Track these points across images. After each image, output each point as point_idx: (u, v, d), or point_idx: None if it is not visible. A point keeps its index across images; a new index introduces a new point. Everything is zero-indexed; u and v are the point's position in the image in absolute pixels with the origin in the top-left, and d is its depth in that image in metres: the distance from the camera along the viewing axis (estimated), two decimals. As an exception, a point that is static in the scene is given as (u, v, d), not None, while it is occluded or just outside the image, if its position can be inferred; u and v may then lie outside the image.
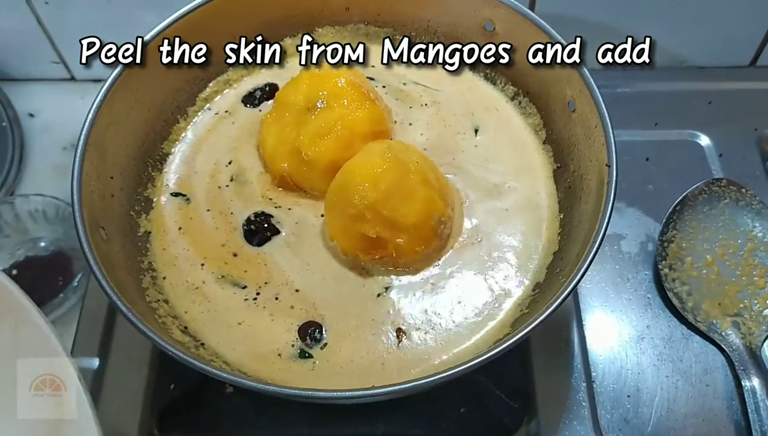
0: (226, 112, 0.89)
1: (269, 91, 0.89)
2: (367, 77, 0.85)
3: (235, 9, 0.84)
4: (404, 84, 0.88)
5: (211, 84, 0.89)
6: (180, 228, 0.79)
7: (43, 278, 0.94)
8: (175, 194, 0.82)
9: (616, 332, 0.86)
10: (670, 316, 0.87)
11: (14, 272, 0.94)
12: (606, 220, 0.66)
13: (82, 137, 0.72)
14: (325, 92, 0.78)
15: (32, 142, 1.10)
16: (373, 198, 0.70)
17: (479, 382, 0.79)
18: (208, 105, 0.89)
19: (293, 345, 0.71)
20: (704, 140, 1.02)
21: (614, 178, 0.69)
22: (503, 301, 0.73)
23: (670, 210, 0.90)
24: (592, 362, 0.83)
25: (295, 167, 0.79)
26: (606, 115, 0.72)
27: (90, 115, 0.74)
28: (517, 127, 0.85)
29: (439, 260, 0.76)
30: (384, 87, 0.88)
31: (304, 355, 0.71)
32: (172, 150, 0.86)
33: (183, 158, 0.85)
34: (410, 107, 0.86)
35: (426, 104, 0.87)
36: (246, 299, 0.74)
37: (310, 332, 0.72)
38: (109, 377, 0.83)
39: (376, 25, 0.92)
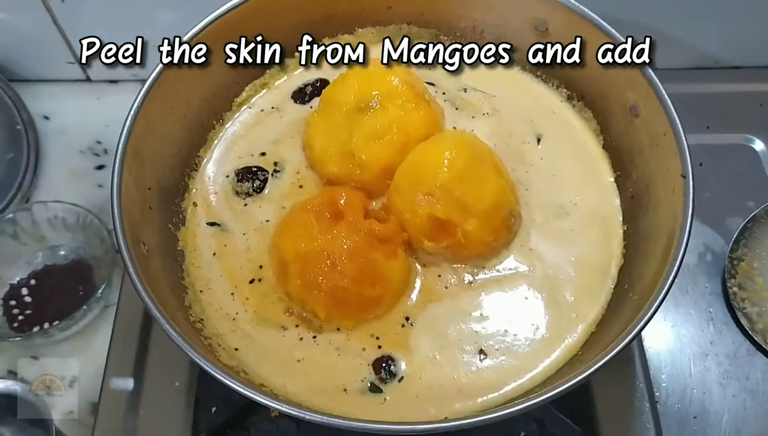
0: (273, 108, 0.85)
1: (320, 86, 0.84)
2: (427, 83, 0.81)
3: (273, 9, 0.80)
4: (465, 90, 0.84)
5: (247, 88, 0.85)
6: (214, 254, 0.75)
7: (62, 288, 0.90)
8: (211, 224, 0.78)
9: (677, 348, 0.82)
10: (735, 331, 0.83)
11: (32, 281, 0.90)
12: (686, 236, 0.62)
13: (120, 146, 0.68)
14: (379, 92, 0.74)
15: (48, 145, 1.06)
16: (446, 178, 0.68)
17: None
18: (246, 106, 0.85)
19: (363, 380, 0.67)
20: (758, 145, 0.98)
21: (691, 190, 0.65)
22: (573, 321, 0.70)
23: (740, 227, 0.86)
24: (654, 381, 0.79)
25: (346, 170, 0.75)
26: (677, 121, 0.69)
27: (127, 123, 0.70)
28: (577, 130, 0.82)
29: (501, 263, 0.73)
30: (444, 93, 0.84)
31: (374, 389, 0.67)
32: (211, 151, 0.82)
33: (221, 153, 0.82)
34: (472, 117, 0.82)
35: (487, 113, 0.83)
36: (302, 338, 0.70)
37: (386, 366, 0.68)
38: (145, 398, 0.78)
39: (419, 25, 0.88)
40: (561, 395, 0.56)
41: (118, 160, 0.67)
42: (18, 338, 0.85)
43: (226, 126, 0.84)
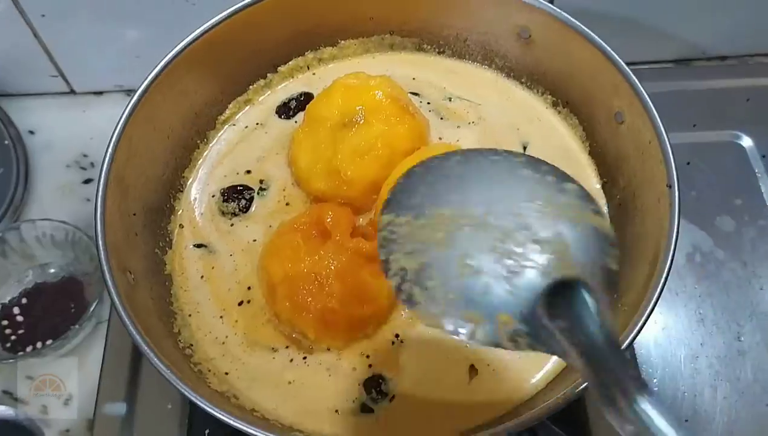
0: (258, 124, 0.84)
1: (304, 100, 0.84)
2: (411, 93, 0.81)
3: (262, 23, 0.80)
4: (449, 99, 0.84)
5: (230, 105, 0.84)
6: (202, 277, 0.75)
7: (54, 305, 0.89)
8: (198, 245, 0.77)
9: (668, 351, 0.82)
10: (724, 332, 0.83)
11: (24, 300, 0.90)
12: (672, 247, 0.62)
13: (103, 175, 0.67)
14: (362, 106, 0.74)
15: (34, 160, 1.04)
16: None
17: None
18: (230, 124, 0.84)
19: (354, 401, 0.67)
20: (746, 141, 0.97)
21: (677, 200, 0.64)
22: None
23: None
24: (646, 385, 0.79)
25: (332, 187, 0.74)
26: (663, 131, 0.68)
27: (109, 151, 0.69)
28: (563, 136, 0.81)
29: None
30: (428, 103, 0.83)
31: (366, 409, 0.67)
32: (195, 171, 0.82)
33: (206, 173, 0.81)
34: (458, 126, 0.82)
35: (473, 122, 0.82)
36: (292, 360, 0.70)
37: (376, 386, 0.68)
38: (138, 422, 0.78)
39: (402, 35, 0.87)
40: (556, 411, 0.56)
41: (101, 189, 0.66)
42: (12, 360, 0.85)
43: (211, 145, 0.83)
